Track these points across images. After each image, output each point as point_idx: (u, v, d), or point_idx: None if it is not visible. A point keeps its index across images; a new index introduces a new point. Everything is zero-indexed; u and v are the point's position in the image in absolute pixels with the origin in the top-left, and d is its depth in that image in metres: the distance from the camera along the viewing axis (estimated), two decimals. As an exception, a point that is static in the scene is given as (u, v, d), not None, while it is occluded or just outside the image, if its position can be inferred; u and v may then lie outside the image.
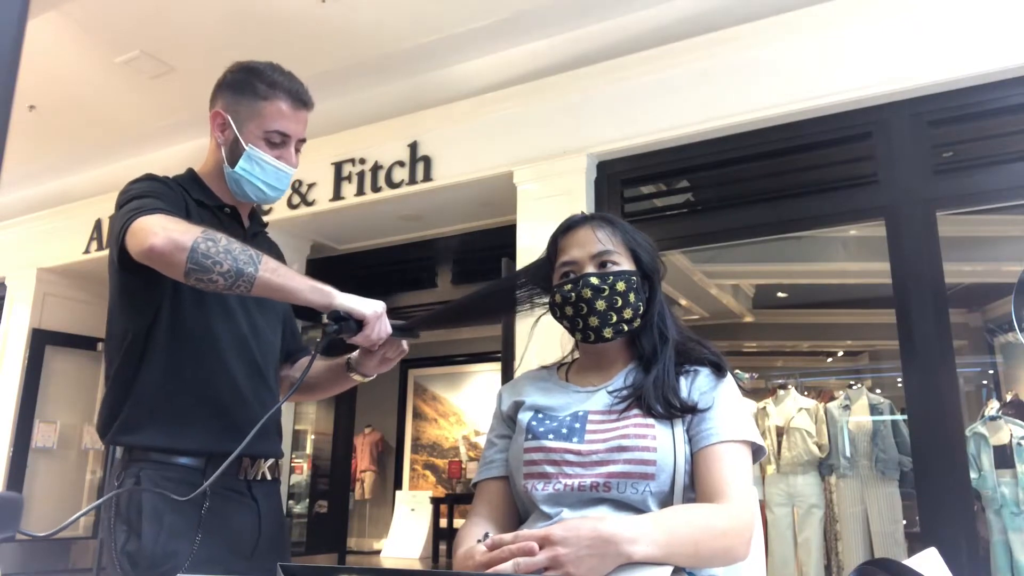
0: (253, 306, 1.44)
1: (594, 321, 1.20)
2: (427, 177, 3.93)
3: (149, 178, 1.42)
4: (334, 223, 4.42)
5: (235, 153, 1.43)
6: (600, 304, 1.19)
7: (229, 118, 1.44)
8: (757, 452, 1.16)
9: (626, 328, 1.21)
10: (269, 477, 1.45)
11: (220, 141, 1.46)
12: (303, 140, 1.49)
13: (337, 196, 4.17)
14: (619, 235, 1.25)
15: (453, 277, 4.79)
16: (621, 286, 1.20)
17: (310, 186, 4.24)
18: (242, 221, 1.52)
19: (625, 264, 1.23)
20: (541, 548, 0.92)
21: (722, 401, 1.16)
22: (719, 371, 1.20)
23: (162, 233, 1.17)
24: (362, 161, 4.13)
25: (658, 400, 1.14)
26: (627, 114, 3.42)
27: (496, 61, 3.67)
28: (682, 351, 1.23)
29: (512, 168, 3.66)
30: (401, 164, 4.01)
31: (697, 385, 1.17)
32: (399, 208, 4.17)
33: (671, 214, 3.61)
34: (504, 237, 3.81)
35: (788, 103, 3.09)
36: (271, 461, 1.46)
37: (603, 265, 1.22)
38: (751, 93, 3.16)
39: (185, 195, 1.42)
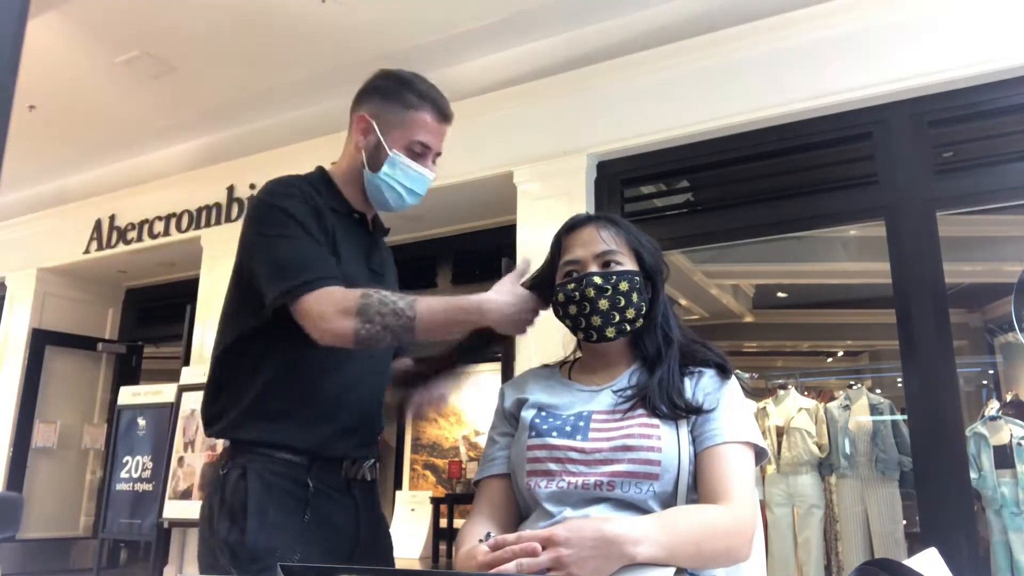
0: None
1: (597, 320, 1.20)
2: (427, 177, 3.92)
3: (291, 194, 1.38)
4: (334, 223, 4.42)
5: (378, 158, 1.45)
6: (603, 303, 1.19)
7: (374, 123, 1.45)
8: (760, 455, 1.16)
9: (629, 328, 1.21)
10: (368, 478, 1.44)
11: (361, 145, 1.46)
12: (439, 154, 1.53)
13: (337, 196, 4.16)
14: (623, 235, 1.25)
15: (453, 277, 4.79)
16: (624, 286, 1.20)
17: (310, 186, 4.23)
18: (368, 226, 1.53)
19: (628, 264, 1.23)
20: (544, 549, 0.92)
21: (726, 402, 1.16)
22: (724, 372, 1.20)
23: (326, 328, 1.25)
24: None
25: (663, 400, 1.14)
26: (627, 114, 3.42)
27: (496, 61, 3.67)
28: (686, 352, 1.23)
29: (512, 168, 3.66)
30: (401, 164, 4.00)
31: (702, 386, 1.17)
32: (399, 208, 4.17)
33: (671, 214, 3.61)
34: (504, 237, 3.81)
35: (788, 103, 3.09)
36: (371, 462, 1.45)
37: (607, 265, 1.22)
38: (751, 93, 3.16)
39: (319, 200, 1.41)
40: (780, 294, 6.62)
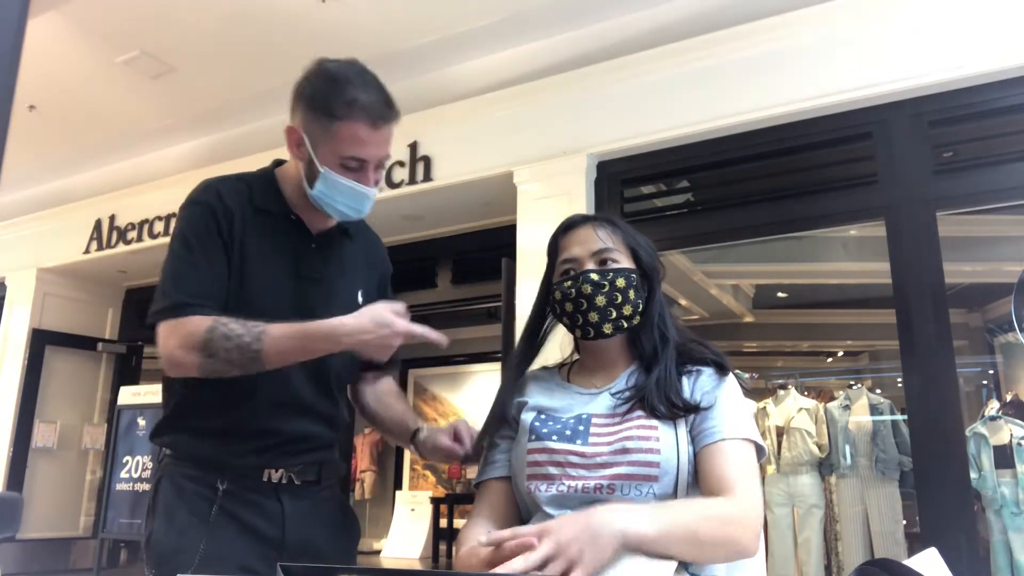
0: (318, 311, 1.34)
1: (594, 317, 1.20)
2: (427, 177, 3.93)
3: (198, 200, 1.34)
4: (334, 223, 4.42)
5: (311, 174, 1.34)
6: (600, 300, 1.20)
7: (304, 136, 1.34)
8: (758, 452, 1.16)
9: (625, 325, 1.22)
10: (297, 482, 1.37)
11: (296, 156, 1.37)
12: (385, 159, 1.37)
13: (337, 196, 4.16)
14: (619, 234, 1.26)
15: (453, 277, 4.79)
16: (621, 282, 1.20)
17: (310, 186, 4.23)
18: (309, 229, 1.41)
19: (625, 262, 1.23)
20: (540, 540, 0.93)
21: (725, 400, 1.16)
22: (722, 370, 1.20)
23: (172, 361, 1.26)
24: (362, 161, 4.13)
25: (661, 400, 1.14)
26: (627, 114, 3.42)
27: (496, 61, 3.67)
28: (683, 351, 1.23)
29: (512, 168, 3.66)
30: (401, 164, 4.01)
31: (700, 384, 1.17)
32: (399, 208, 4.18)
33: (671, 214, 3.61)
34: (504, 237, 3.81)
35: (788, 103, 3.09)
36: (301, 468, 1.38)
37: (603, 263, 1.23)
38: (751, 93, 3.16)
39: (233, 202, 1.36)
40: (780, 294, 6.61)
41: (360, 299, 1.42)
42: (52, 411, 5.56)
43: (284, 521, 1.34)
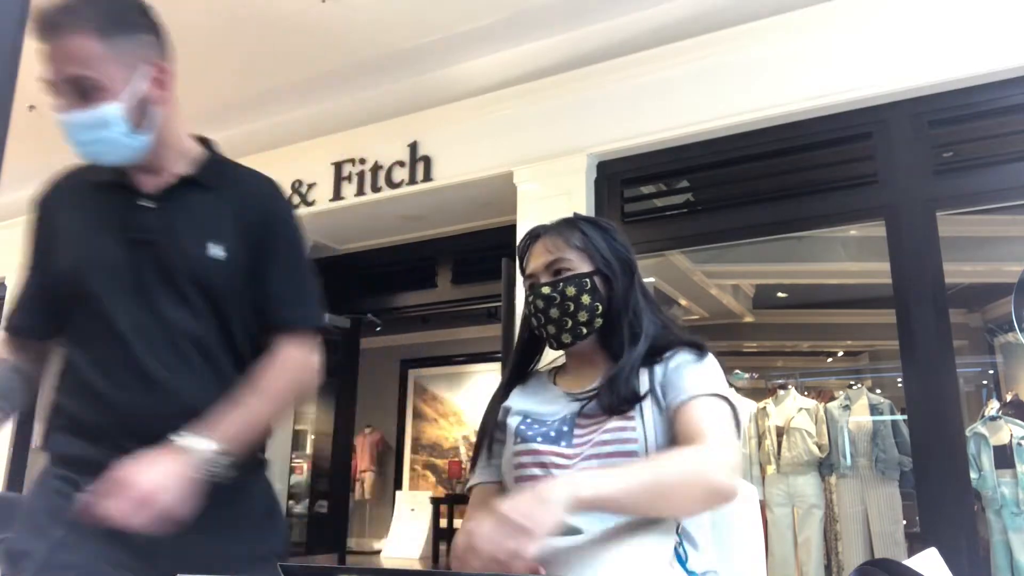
0: (155, 288, 1.22)
1: (551, 329, 1.22)
2: (427, 177, 3.93)
3: (30, 222, 1.34)
4: (334, 223, 4.42)
5: None
6: (553, 312, 1.21)
7: None
8: (735, 415, 1.13)
9: (585, 331, 1.21)
10: None
11: None
12: (79, 79, 1.14)
13: (337, 196, 4.17)
14: (575, 238, 1.24)
15: (453, 277, 4.79)
16: (571, 291, 1.20)
17: (310, 186, 4.24)
18: (138, 189, 1.26)
19: (581, 266, 1.22)
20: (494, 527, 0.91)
21: (696, 367, 1.15)
22: (698, 349, 1.19)
23: None
24: (362, 161, 4.13)
25: (611, 396, 1.13)
26: (627, 114, 3.42)
27: (496, 61, 3.67)
28: (658, 343, 1.21)
29: (512, 168, 3.66)
30: (401, 164, 4.01)
31: (672, 365, 1.17)
32: (399, 208, 4.18)
33: (671, 214, 3.61)
34: (504, 237, 3.81)
35: (788, 103, 3.09)
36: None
37: (557, 273, 1.23)
38: (751, 93, 3.16)
39: (79, 183, 1.32)
40: (780, 294, 6.62)
41: (218, 254, 1.24)
42: (52, 411, 5.56)
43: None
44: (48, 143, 5.26)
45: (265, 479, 1.35)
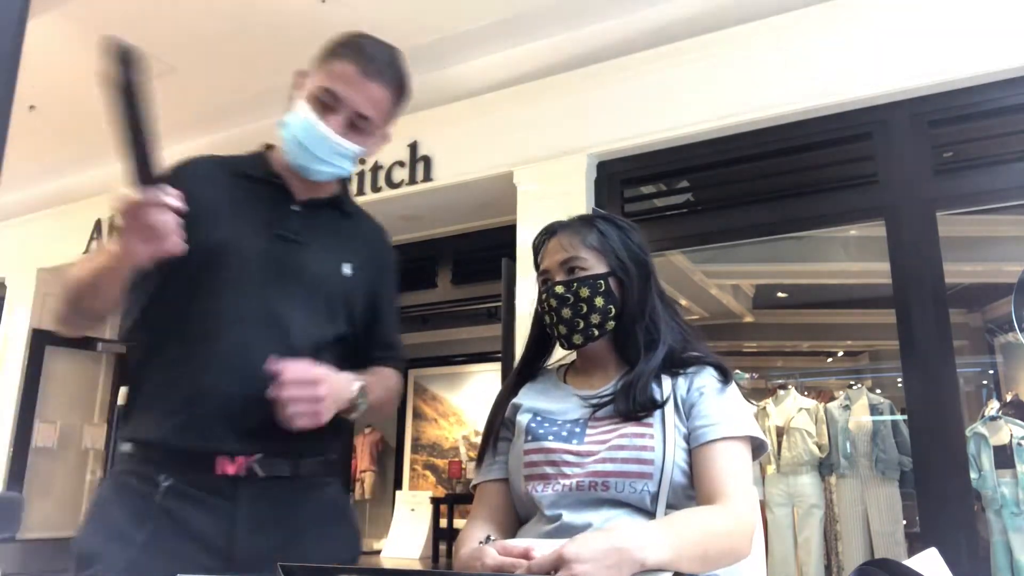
0: (287, 285, 1.27)
1: (563, 329, 1.21)
2: (427, 177, 3.93)
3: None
4: (334, 223, 4.42)
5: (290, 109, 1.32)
6: (566, 312, 1.20)
7: (304, 79, 1.33)
8: (759, 448, 1.15)
9: (597, 333, 1.20)
10: (261, 474, 1.19)
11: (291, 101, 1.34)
12: (365, 117, 1.28)
13: (337, 196, 4.16)
14: (593, 236, 1.23)
15: (453, 277, 4.79)
16: (585, 292, 1.19)
17: (310, 186, 4.23)
18: (292, 194, 1.33)
19: (597, 267, 1.21)
20: (557, 570, 0.90)
21: (721, 397, 1.15)
22: (722, 374, 1.19)
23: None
24: (362, 161, 4.12)
25: (626, 402, 1.13)
26: (627, 114, 3.42)
27: (496, 61, 3.67)
28: (680, 358, 1.20)
29: (512, 168, 3.66)
30: (401, 164, 4.01)
31: (697, 384, 1.17)
32: (399, 208, 4.18)
33: (671, 214, 3.61)
34: (504, 237, 3.81)
35: (788, 103, 3.09)
36: (259, 455, 1.20)
37: (572, 271, 1.22)
38: (751, 93, 3.16)
39: (216, 170, 1.33)
40: (780, 294, 6.62)
41: (347, 271, 1.33)
42: (52, 411, 5.56)
43: (234, 523, 1.17)
44: (48, 143, 5.28)
45: (338, 481, 1.39)
